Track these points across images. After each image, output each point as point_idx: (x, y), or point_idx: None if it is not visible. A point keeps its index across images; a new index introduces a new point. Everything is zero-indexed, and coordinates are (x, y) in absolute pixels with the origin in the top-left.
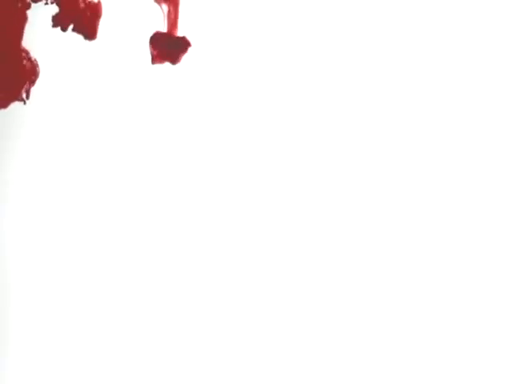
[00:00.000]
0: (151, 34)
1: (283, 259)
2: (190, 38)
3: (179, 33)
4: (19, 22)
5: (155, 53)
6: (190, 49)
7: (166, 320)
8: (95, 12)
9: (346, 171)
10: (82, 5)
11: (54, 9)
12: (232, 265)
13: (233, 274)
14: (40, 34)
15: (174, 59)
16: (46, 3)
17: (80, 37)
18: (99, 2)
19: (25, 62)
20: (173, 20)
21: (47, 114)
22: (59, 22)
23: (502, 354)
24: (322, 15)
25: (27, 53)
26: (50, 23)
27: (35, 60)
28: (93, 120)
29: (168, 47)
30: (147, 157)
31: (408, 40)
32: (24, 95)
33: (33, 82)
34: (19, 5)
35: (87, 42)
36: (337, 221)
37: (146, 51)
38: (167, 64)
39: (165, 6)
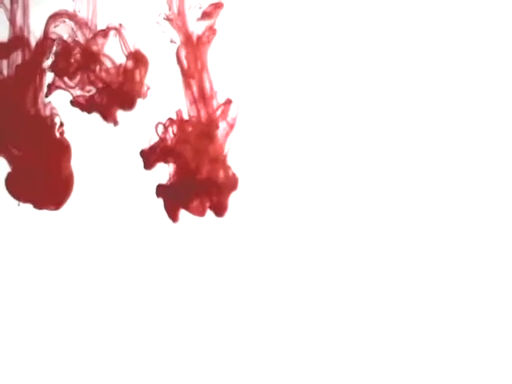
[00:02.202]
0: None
1: (283, 259)
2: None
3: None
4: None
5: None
6: None
7: (164, 322)
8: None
9: (347, 173)
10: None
11: None
12: (232, 266)
13: (233, 276)
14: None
15: None
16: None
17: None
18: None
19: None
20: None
21: None
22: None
23: (502, 354)
24: (323, 18)
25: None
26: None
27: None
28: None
29: None
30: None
31: (408, 41)
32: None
33: None
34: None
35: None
36: (337, 222)
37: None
38: None
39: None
